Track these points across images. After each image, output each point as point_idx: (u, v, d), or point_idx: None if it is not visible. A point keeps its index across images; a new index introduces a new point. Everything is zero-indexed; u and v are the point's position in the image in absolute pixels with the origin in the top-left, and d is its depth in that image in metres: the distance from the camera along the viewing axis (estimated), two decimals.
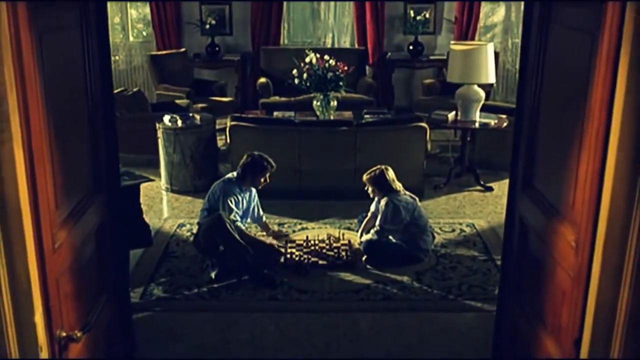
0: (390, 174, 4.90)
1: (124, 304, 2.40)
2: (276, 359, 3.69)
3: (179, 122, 6.31)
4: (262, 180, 4.84)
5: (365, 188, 5.00)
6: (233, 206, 4.66)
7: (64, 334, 1.64)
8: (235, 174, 4.91)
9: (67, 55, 1.77)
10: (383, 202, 4.84)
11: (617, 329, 1.50)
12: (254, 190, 5.02)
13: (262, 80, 8.71)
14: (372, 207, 5.04)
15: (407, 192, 4.98)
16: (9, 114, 1.34)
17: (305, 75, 7.02)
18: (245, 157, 4.90)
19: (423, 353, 3.79)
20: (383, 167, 4.93)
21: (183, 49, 9.12)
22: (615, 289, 1.49)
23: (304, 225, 5.60)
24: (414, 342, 3.91)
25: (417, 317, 4.17)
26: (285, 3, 9.29)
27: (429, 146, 6.24)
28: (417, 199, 5.03)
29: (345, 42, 9.68)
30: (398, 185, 4.92)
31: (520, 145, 2.11)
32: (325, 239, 5.13)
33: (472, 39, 9.24)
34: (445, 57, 8.49)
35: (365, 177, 4.96)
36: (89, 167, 2.00)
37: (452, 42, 7.06)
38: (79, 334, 1.69)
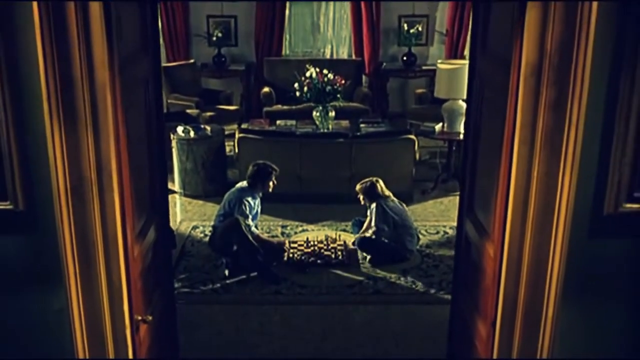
0: (380, 185, 5.53)
1: (169, 297, 3.10)
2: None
3: (192, 133, 6.95)
4: (271, 183, 5.45)
5: (358, 196, 5.65)
6: (247, 212, 5.32)
7: (139, 318, 2.33)
8: (246, 183, 5.53)
9: (136, 118, 2.45)
10: (373, 206, 5.50)
11: (518, 314, 2.23)
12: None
13: (266, 90, 9.30)
14: (369, 214, 5.63)
15: (395, 199, 5.63)
16: (112, 171, 2.02)
17: (305, 88, 7.65)
18: (250, 167, 5.49)
19: (407, 339, 4.42)
20: (374, 179, 5.56)
21: (192, 60, 9.68)
22: (516, 287, 2.20)
23: (305, 227, 6.22)
24: (399, 330, 4.53)
25: (403, 309, 4.80)
26: (287, 16, 9.88)
27: (417, 155, 6.90)
28: (403, 204, 5.70)
29: (343, 53, 10.24)
30: (387, 193, 5.56)
31: (465, 180, 2.81)
32: (324, 239, 5.72)
33: (463, 50, 9.85)
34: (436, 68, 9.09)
35: (358, 187, 5.60)
36: (149, 197, 2.68)
37: (439, 61, 7.69)
38: (150, 317, 2.38)
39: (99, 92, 1.94)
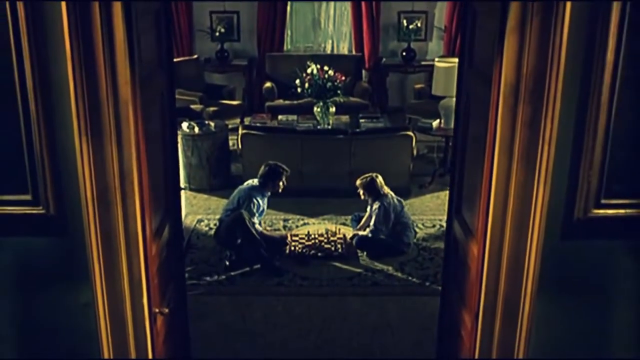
0: (380, 180, 5.73)
1: (181, 290, 3.36)
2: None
3: (196, 129, 7.17)
4: (281, 183, 5.68)
5: (358, 191, 5.86)
6: (255, 210, 5.55)
7: (157, 310, 2.58)
8: (257, 181, 5.75)
9: (153, 128, 2.68)
10: (375, 205, 5.69)
11: (498, 306, 2.49)
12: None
13: (268, 84, 9.49)
14: (368, 210, 5.87)
15: (395, 196, 5.85)
16: (133, 180, 2.27)
17: (307, 84, 7.86)
18: (262, 167, 5.70)
19: (402, 329, 4.65)
20: (374, 174, 5.75)
21: (195, 56, 9.86)
22: (496, 283, 2.46)
23: (306, 221, 6.44)
24: (395, 320, 4.77)
25: (399, 300, 5.04)
26: (288, 12, 10.07)
27: (415, 151, 7.11)
28: (402, 201, 5.91)
29: (344, 48, 10.42)
30: (386, 189, 5.79)
31: (454, 183, 3.06)
32: (324, 233, 5.95)
33: None
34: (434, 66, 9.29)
35: (358, 182, 5.79)
36: (164, 199, 2.94)
37: (436, 59, 7.89)
38: (166, 310, 2.64)
39: (122, 109, 2.18)
